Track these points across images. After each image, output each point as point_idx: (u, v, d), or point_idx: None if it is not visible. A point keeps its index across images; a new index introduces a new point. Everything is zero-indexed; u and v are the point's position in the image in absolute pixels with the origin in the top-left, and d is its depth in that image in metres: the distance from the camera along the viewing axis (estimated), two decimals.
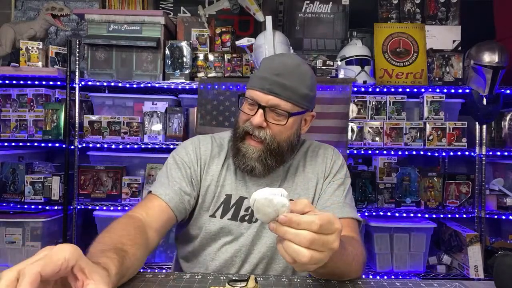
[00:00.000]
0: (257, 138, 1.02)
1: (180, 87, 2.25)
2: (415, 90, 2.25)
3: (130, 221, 0.92)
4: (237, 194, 1.08)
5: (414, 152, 2.25)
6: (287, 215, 0.65)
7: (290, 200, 0.69)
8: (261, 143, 1.03)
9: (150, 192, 1.04)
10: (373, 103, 2.29)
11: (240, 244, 1.06)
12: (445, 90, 2.25)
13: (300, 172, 1.14)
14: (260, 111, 1.00)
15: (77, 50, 2.28)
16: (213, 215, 1.07)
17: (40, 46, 2.23)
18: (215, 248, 1.07)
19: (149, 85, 2.22)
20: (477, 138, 2.24)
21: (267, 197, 0.66)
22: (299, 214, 0.66)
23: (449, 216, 2.27)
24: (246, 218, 1.07)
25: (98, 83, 2.23)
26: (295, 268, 0.70)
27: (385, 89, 2.24)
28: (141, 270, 0.91)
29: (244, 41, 2.19)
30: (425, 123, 2.22)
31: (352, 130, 2.23)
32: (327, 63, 2.23)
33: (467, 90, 2.24)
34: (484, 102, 2.17)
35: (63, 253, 0.55)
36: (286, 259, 0.67)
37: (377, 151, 2.27)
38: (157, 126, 2.22)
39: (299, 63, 1.04)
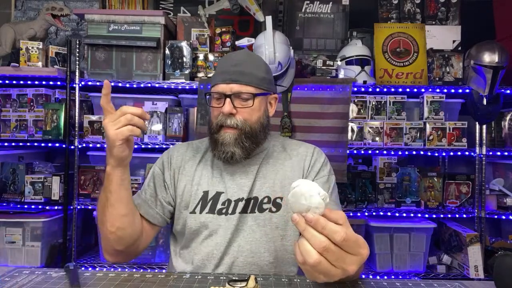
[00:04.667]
0: (230, 126, 1.10)
1: (180, 87, 2.25)
2: (415, 90, 2.25)
3: None
4: (213, 190, 1.14)
5: (414, 152, 2.25)
6: (316, 215, 0.64)
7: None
8: (235, 129, 1.11)
9: None
10: (373, 103, 2.29)
11: (219, 237, 1.10)
12: (445, 90, 2.25)
13: (278, 166, 1.18)
14: (227, 99, 1.10)
15: (77, 50, 2.27)
16: (193, 212, 1.13)
17: (40, 46, 2.23)
18: (198, 243, 1.12)
19: (149, 85, 2.22)
20: (477, 138, 2.24)
21: (309, 190, 0.65)
22: (328, 220, 0.65)
23: (449, 216, 2.27)
24: (223, 211, 1.12)
25: (98, 83, 2.23)
26: (305, 272, 0.69)
27: (385, 89, 2.24)
28: (141, 270, 0.91)
29: (244, 41, 2.19)
30: (425, 123, 2.22)
31: (352, 130, 2.23)
32: (327, 63, 2.23)
33: (467, 90, 2.24)
34: (484, 102, 2.17)
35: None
36: (298, 257, 0.66)
37: (377, 151, 2.27)
38: (157, 126, 2.22)
39: (249, 53, 1.21)
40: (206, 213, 1.12)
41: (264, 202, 1.12)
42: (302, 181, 0.67)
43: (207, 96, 1.18)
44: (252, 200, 1.12)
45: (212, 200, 1.13)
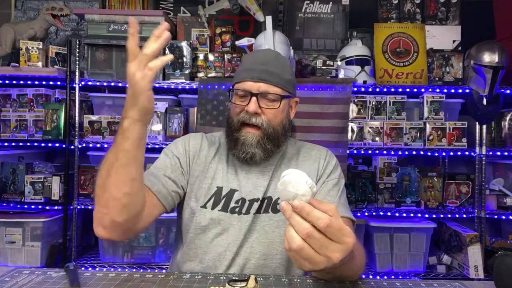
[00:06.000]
0: (254, 125, 1.08)
1: (180, 87, 2.25)
2: (415, 90, 2.25)
3: None
4: (228, 187, 1.11)
5: (414, 152, 2.24)
6: (302, 203, 0.66)
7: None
8: (259, 129, 1.08)
9: None
10: (373, 103, 2.29)
11: (231, 237, 1.08)
12: (445, 90, 2.25)
13: (292, 167, 1.15)
14: (254, 98, 1.07)
15: (77, 50, 2.28)
16: (204, 206, 1.10)
17: (40, 46, 2.23)
18: (207, 241, 1.09)
19: None
20: (477, 138, 2.24)
21: (297, 178, 0.68)
22: (313, 207, 0.66)
23: (449, 216, 2.27)
24: (236, 210, 1.09)
25: (98, 83, 2.23)
26: (292, 259, 0.70)
27: (385, 89, 2.24)
28: (141, 270, 0.91)
29: (244, 41, 2.19)
30: (425, 123, 2.22)
31: (352, 130, 2.23)
32: (327, 63, 2.23)
33: (467, 90, 2.24)
34: (484, 102, 2.17)
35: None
36: (284, 243, 0.68)
37: (377, 151, 2.27)
38: (157, 126, 2.22)
39: (278, 54, 1.17)
40: (219, 210, 1.09)
41: (278, 202, 1.10)
42: (292, 171, 0.69)
43: (231, 92, 1.14)
44: (266, 200, 1.11)
45: (225, 198, 1.10)
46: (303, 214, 0.65)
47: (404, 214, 2.23)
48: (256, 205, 1.09)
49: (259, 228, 1.09)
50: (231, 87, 1.14)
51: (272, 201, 1.11)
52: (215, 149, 1.18)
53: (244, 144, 1.08)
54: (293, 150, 1.21)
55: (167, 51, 2.23)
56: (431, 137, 2.21)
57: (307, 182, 0.67)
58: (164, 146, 2.18)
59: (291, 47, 2.15)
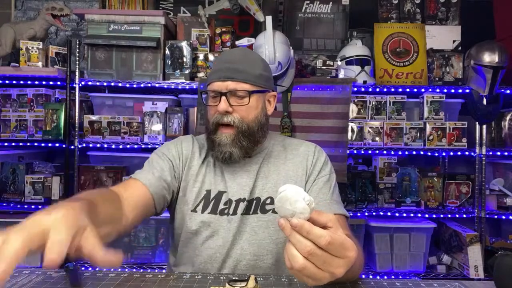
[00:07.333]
0: (227, 124, 1.08)
1: (180, 87, 2.25)
2: (415, 90, 2.25)
3: (106, 190, 0.96)
4: (216, 189, 1.12)
5: (414, 152, 2.25)
6: (301, 221, 0.64)
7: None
8: (232, 128, 1.09)
9: (130, 177, 1.09)
10: (373, 103, 2.29)
11: (221, 239, 1.08)
12: (445, 90, 2.25)
13: (280, 165, 1.16)
14: (223, 97, 1.07)
15: (77, 50, 2.28)
16: (194, 210, 1.11)
17: (40, 46, 2.23)
18: (198, 244, 1.09)
19: (149, 85, 2.22)
20: (477, 138, 2.24)
21: (294, 195, 0.65)
22: (313, 225, 0.64)
23: (449, 216, 2.27)
24: (225, 211, 1.10)
25: (98, 83, 2.23)
26: (295, 276, 0.69)
27: (385, 89, 2.24)
28: (141, 270, 0.91)
29: (244, 41, 2.19)
30: (425, 123, 2.22)
31: (352, 130, 2.23)
32: (327, 63, 2.23)
33: (467, 90, 2.24)
34: (484, 102, 2.17)
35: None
36: (286, 261, 0.66)
37: (377, 151, 2.27)
38: (157, 126, 2.22)
39: (247, 51, 1.18)
40: (208, 213, 1.10)
41: (266, 203, 1.11)
42: (289, 186, 0.67)
43: (204, 95, 1.16)
44: (255, 201, 1.11)
45: (214, 200, 1.11)
46: (303, 233, 0.63)
47: (404, 214, 2.23)
48: (242, 205, 1.09)
49: (249, 229, 1.09)
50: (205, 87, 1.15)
51: (261, 202, 1.11)
52: (205, 153, 1.18)
53: (220, 145, 1.09)
54: (280, 148, 1.20)
55: (167, 51, 2.23)
56: (431, 137, 2.21)
57: (304, 199, 0.65)
58: None
59: (291, 47, 2.15)
